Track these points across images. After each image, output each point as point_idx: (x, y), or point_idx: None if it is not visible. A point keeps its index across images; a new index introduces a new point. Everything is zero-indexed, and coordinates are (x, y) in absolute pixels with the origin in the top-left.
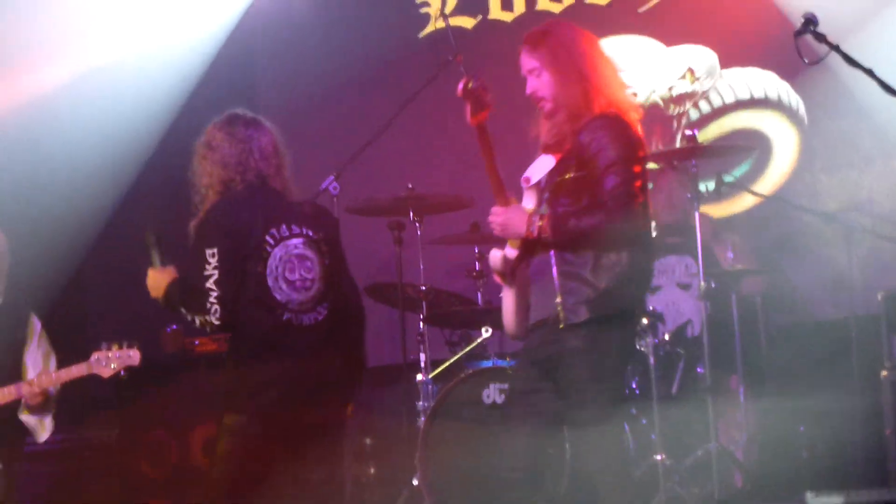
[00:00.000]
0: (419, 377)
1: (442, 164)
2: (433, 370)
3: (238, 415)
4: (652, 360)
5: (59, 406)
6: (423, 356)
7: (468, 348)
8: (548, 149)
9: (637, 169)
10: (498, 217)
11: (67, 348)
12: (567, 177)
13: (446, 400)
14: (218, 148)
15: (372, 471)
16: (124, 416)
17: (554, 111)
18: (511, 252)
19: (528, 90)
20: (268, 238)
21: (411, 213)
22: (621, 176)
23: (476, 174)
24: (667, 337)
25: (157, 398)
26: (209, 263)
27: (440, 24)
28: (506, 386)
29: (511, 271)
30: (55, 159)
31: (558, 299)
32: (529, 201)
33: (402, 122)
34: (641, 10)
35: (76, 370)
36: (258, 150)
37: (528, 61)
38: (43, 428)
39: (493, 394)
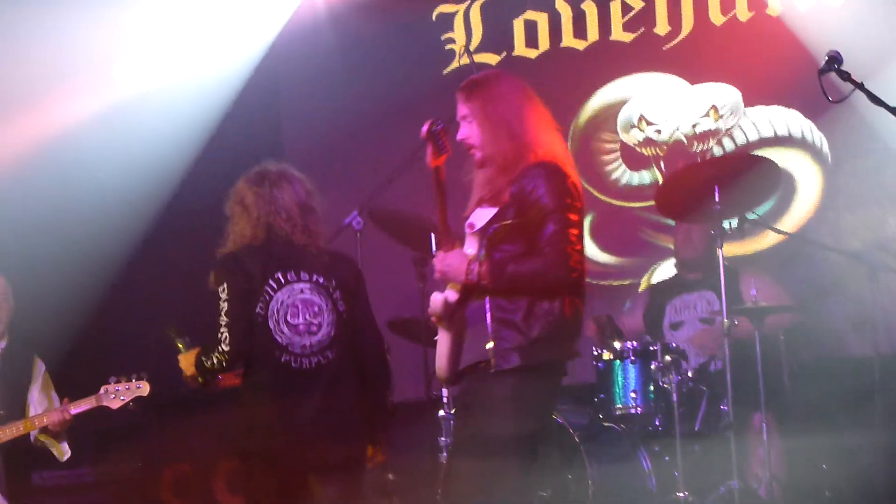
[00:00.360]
0: (441, 413)
1: (465, 202)
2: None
3: (247, 453)
4: (675, 396)
5: (84, 439)
6: (445, 392)
7: None
8: (483, 202)
9: (574, 217)
10: (439, 262)
11: (89, 385)
12: (506, 223)
13: None
14: (247, 207)
15: None
16: (148, 450)
17: (483, 162)
18: (452, 296)
19: (459, 136)
20: (271, 282)
21: (434, 247)
22: (558, 224)
23: None
24: (690, 374)
25: (180, 432)
26: (220, 298)
27: (465, 60)
28: None
29: (450, 315)
30: (80, 192)
31: (490, 345)
32: (471, 246)
33: (425, 158)
34: (666, 47)
35: (85, 403)
36: (283, 210)
37: (461, 108)
38: (60, 451)
39: None
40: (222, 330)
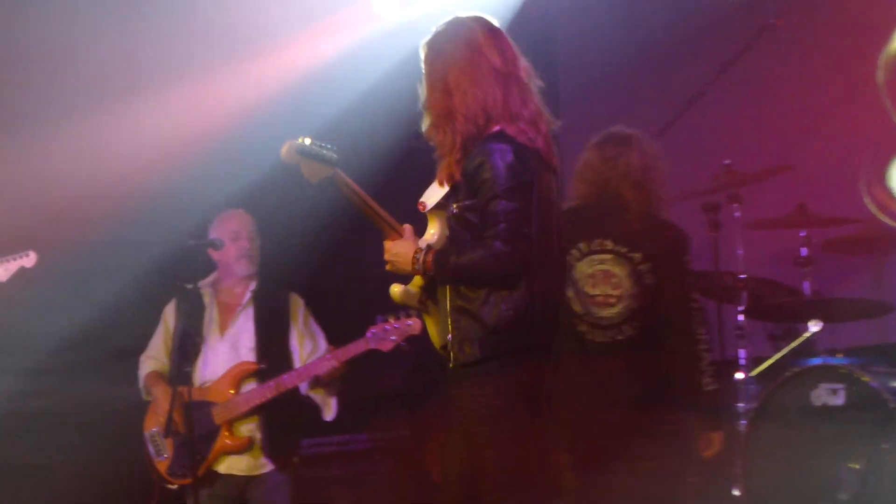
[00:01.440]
0: (738, 376)
1: (761, 138)
2: (754, 368)
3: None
4: None
5: (349, 407)
6: (742, 352)
7: (794, 344)
8: (439, 179)
9: (521, 202)
10: (387, 252)
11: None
12: (462, 205)
13: (770, 402)
14: (587, 164)
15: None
16: (414, 418)
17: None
18: (412, 288)
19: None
20: (573, 251)
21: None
22: (506, 209)
23: (801, 149)
24: None
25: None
26: None
27: None
28: (840, 386)
29: (421, 304)
30: (329, 129)
31: (449, 337)
32: (433, 229)
33: (717, 92)
34: None
35: (354, 348)
36: (623, 166)
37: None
38: (329, 407)
39: (823, 395)
40: None
